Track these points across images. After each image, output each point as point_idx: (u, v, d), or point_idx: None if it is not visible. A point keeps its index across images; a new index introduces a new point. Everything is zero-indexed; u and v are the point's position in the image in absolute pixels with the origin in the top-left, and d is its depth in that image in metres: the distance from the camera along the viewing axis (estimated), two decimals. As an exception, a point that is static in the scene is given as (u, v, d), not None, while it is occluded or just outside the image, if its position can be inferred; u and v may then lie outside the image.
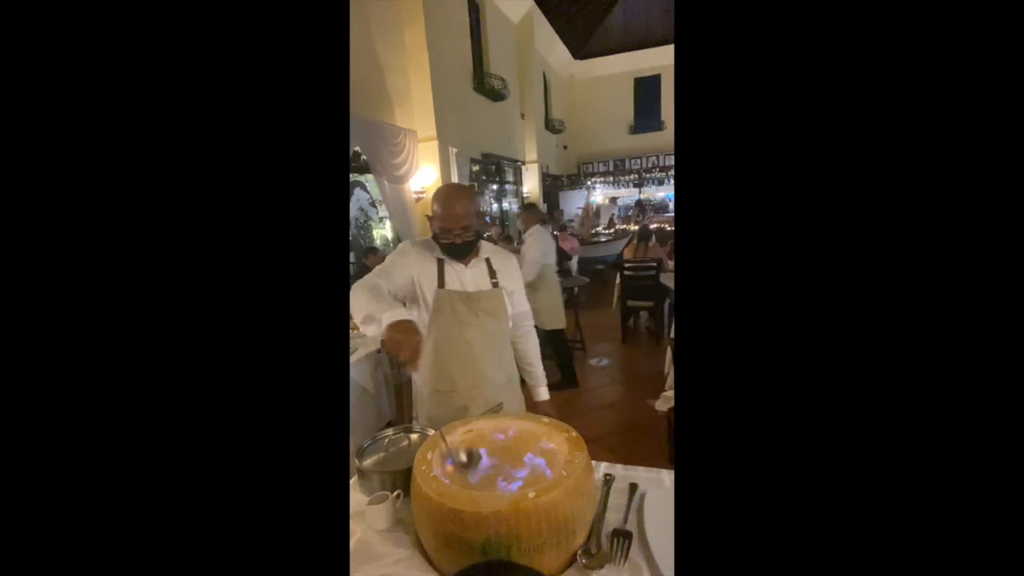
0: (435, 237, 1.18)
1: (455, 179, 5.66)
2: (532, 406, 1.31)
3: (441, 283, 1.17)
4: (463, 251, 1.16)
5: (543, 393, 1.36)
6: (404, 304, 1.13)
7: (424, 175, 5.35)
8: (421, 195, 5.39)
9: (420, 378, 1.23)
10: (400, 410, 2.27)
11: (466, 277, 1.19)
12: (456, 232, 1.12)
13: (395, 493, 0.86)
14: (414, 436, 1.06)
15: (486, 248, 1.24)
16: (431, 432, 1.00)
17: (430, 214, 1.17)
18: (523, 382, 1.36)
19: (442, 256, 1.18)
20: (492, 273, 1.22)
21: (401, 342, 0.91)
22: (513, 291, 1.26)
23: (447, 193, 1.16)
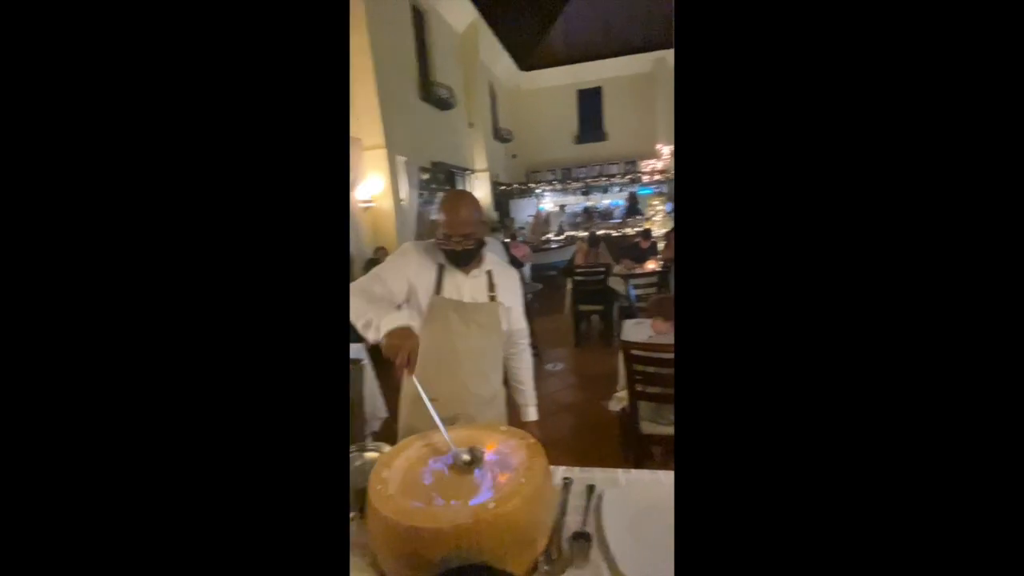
0: (438, 242, 1.16)
1: (404, 188, 5.57)
2: (518, 426, 1.28)
3: (438, 289, 1.15)
4: (464, 258, 1.14)
5: (531, 413, 1.32)
6: (400, 307, 1.11)
7: (372, 184, 5.22)
8: (369, 204, 5.25)
9: (405, 384, 1.19)
10: (353, 425, 2.18)
11: (464, 287, 1.17)
12: (456, 239, 1.10)
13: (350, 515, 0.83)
14: (368, 455, 1.02)
15: (490, 260, 1.21)
16: (385, 450, 0.97)
17: (436, 218, 1.15)
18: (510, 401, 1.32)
19: (443, 262, 1.16)
20: (491, 286, 1.19)
21: (398, 348, 0.92)
22: (511, 307, 1.24)
23: (451, 198, 1.15)
